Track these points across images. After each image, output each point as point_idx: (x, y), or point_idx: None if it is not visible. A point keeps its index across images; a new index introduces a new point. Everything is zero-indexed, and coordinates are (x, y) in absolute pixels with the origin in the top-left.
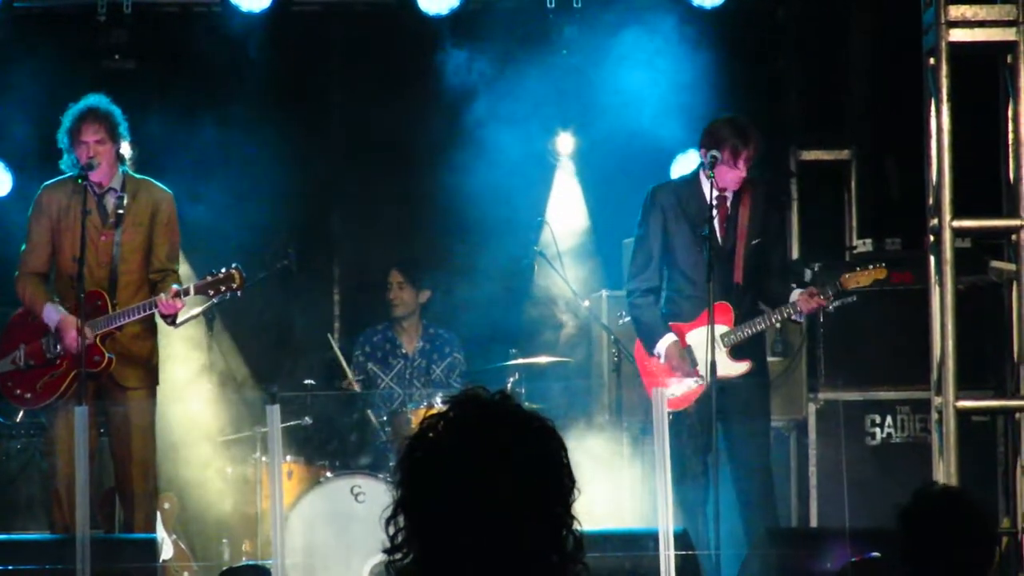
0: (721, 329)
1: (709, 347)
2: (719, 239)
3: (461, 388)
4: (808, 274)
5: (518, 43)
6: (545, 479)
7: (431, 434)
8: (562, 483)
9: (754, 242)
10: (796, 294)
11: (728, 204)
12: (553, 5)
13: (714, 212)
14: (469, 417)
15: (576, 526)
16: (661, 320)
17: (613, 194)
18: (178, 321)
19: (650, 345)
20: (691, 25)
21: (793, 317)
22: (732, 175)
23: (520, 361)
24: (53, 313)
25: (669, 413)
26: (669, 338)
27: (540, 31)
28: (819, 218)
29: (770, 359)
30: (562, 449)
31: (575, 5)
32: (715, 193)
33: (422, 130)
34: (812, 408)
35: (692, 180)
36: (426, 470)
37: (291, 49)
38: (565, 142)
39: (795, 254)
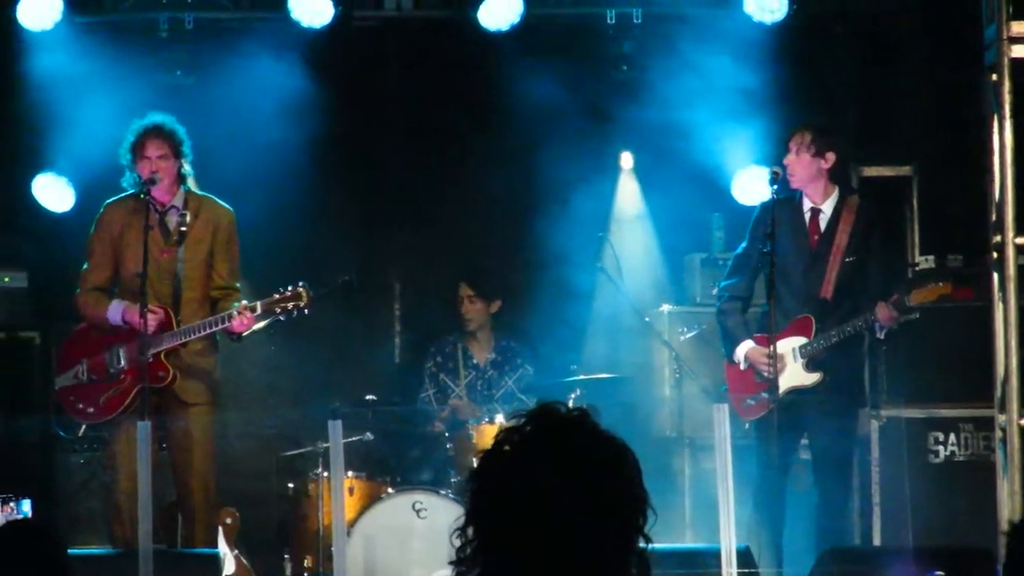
0: (800, 341)
1: (773, 364)
2: (810, 253)
3: (526, 401)
4: None
5: (578, 58)
6: (617, 499)
7: (506, 447)
8: (634, 503)
9: (848, 259)
10: (877, 306)
11: (822, 220)
12: (613, 20)
13: (807, 225)
14: (545, 433)
15: (644, 544)
16: (743, 328)
17: (675, 209)
18: (242, 336)
19: (729, 351)
20: (751, 40)
21: (875, 330)
22: (800, 169)
23: (581, 377)
24: (117, 306)
25: (746, 422)
26: (749, 344)
27: (600, 46)
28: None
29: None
30: (636, 469)
31: (635, 20)
32: (810, 206)
33: (482, 145)
34: (875, 425)
35: (795, 197)
36: (499, 483)
37: (351, 64)
38: (626, 157)
39: None
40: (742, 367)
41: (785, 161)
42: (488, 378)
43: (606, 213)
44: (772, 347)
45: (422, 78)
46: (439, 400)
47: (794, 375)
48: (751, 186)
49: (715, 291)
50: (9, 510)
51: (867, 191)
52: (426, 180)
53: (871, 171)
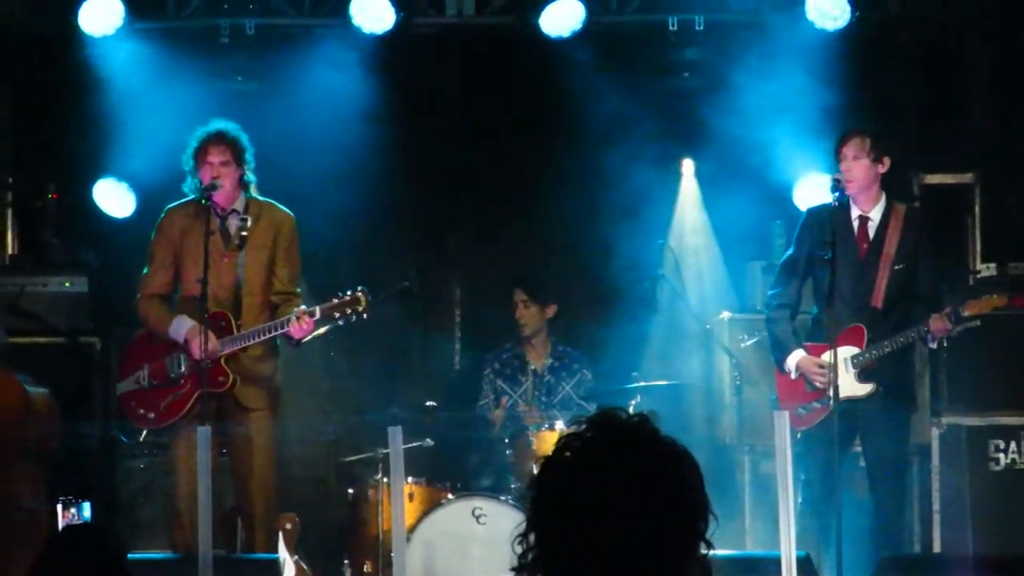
0: (851, 351)
1: (832, 371)
2: (859, 261)
3: (586, 407)
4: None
5: (639, 65)
6: (679, 505)
7: (567, 453)
8: (696, 509)
9: (898, 267)
10: (931, 317)
11: (871, 227)
12: (675, 27)
13: (856, 233)
14: (606, 439)
15: (705, 551)
16: (793, 336)
17: (736, 216)
18: (302, 341)
19: (780, 359)
20: (813, 47)
21: (927, 340)
22: (859, 174)
23: (641, 384)
24: (181, 325)
25: (797, 432)
26: (800, 353)
27: (662, 53)
28: (942, 242)
29: None
30: (698, 476)
31: (697, 27)
32: (857, 214)
33: (542, 151)
34: (935, 433)
35: (844, 204)
36: (560, 490)
37: (412, 70)
38: (687, 164)
39: None
40: (793, 376)
41: (842, 167)
42: (546, 383)
43: (667, 220)
44: (833, 355)
45: (483, 84)
46: (497, 406)
47: (847, 385)
48: (812, 193)
49: (763, 299)
50: (70, 515)
51: (929, 199)
52: (486, 186)
53: (933, 179)
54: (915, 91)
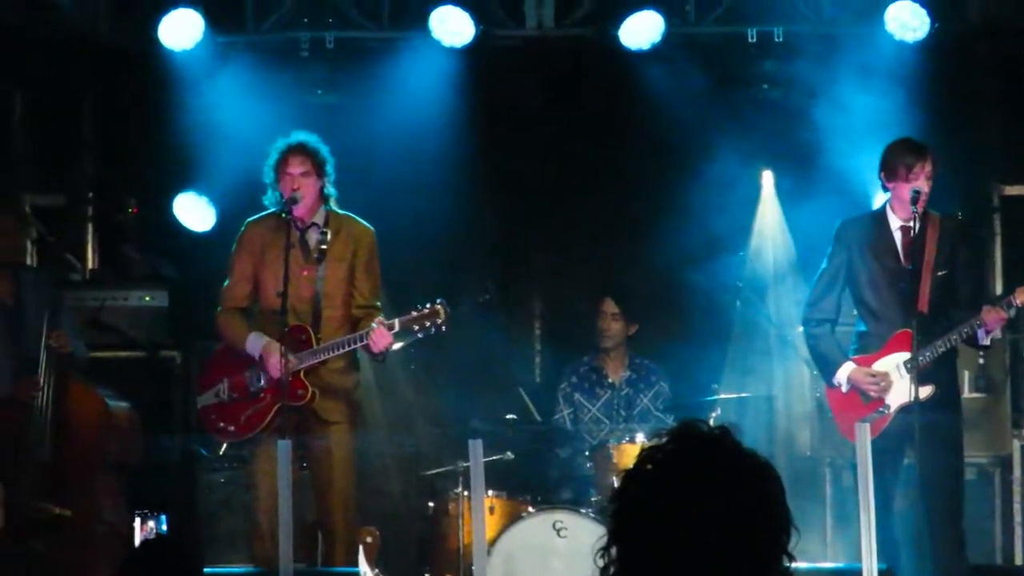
0: (903, 356)
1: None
2: (902, 269)
3: (665, 420)
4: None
5: (719, 77)
6: (761, 517)
7: (649, 466)
8: (778, 522)
9: (940, 273)
10: (983, 309)
11: (912, 234)
12: (754, 39)
13: (898, 242)
14: (687, 451)
15: (787, 563)
16: (839, 350)
17: (816, 228)
18: (382, 354)
19: (828, 375)
20: (893, 58)
21: (979, 337)
22: (927, 189)
23: (721, 396)
24: (256, 341)
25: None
26: (849, 366)
27: (741, 65)
28: (1022, 253)
29: (974, 395)
30: (779, 488)
31: (776, 39)
32: (899, 224)
33: (622, 163)
34: (1017, 444)
35: (880, 213)
36: (642, 502)
37: (492, 82)
38: (767, 176)
39: (998, 288)
40: (844, 389)
41: (918, 183)
42: (624, 396)
43: (747, 231)
44: (914, 364)
45: (563, 96)
46: (575, 420)
47: (903, 391)
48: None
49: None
50: (148, 528)
51: (1009, 209)
52: (567, 198)
53: (1012, 190)
54: (994, 101)
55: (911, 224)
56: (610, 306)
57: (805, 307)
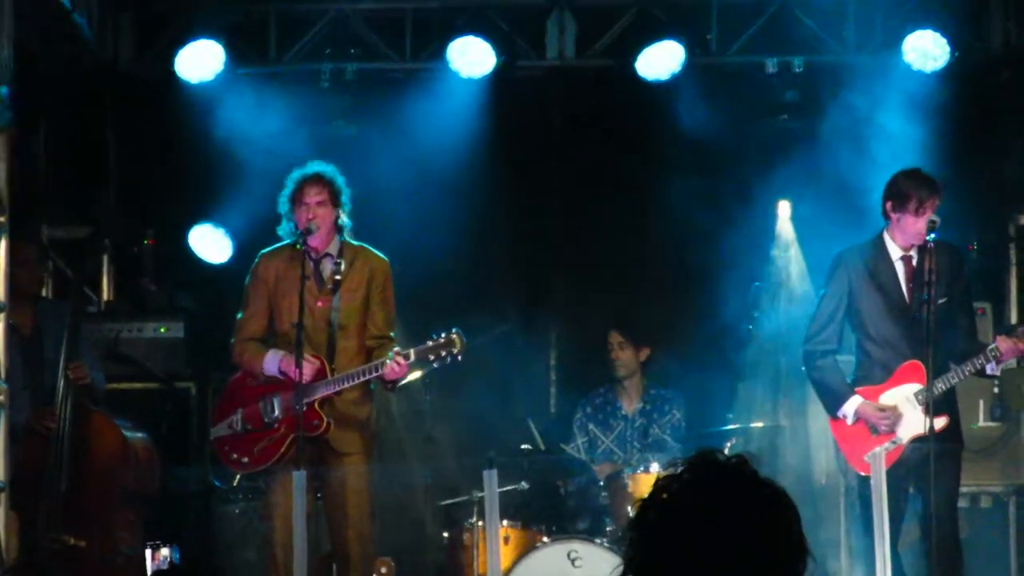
0: (914, 387)
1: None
2: (905, 298)
3: (677, 448)
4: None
5: (738, 106)
6: (778, 547)
7: (665, 495)
8: (794, 551)
9: (941, 302)
10: (998, 339)
11: (913, 263)
12: (774, 69)
13: (899, 272)
14: (704, 480)
15: None
16: (843, 381)
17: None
18: (397, 384)
19: (833, 407)
20: (913, 88)
21: (988, 367)
22: (918, 226)
23: (737, 426)
24: (274, 357)
25: (859, 476)
26: (856, 400)
27: (761, 95)
28: None
29: (988, 424)
30: (796, 518)
31: (796, 69)
32: (899, 255)
33: (643, 191)
34: None
35: (877, 241)
36: (658, 531)
37: (514, 112)
38: (783, 206)
39: (1013, 318)
40: (849, 422)
41: (930, 214)
42: (637, 428)
43: (763, 262)
44: (929, 393)
45: (584, 125)
46: (589, 450)
47: (915, 423)
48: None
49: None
50: (160, 558)
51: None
52: (585, 228)
53: None
54: (1014, 129)
55: (911, 254)
56: (615, 337)
57: (806, 340)
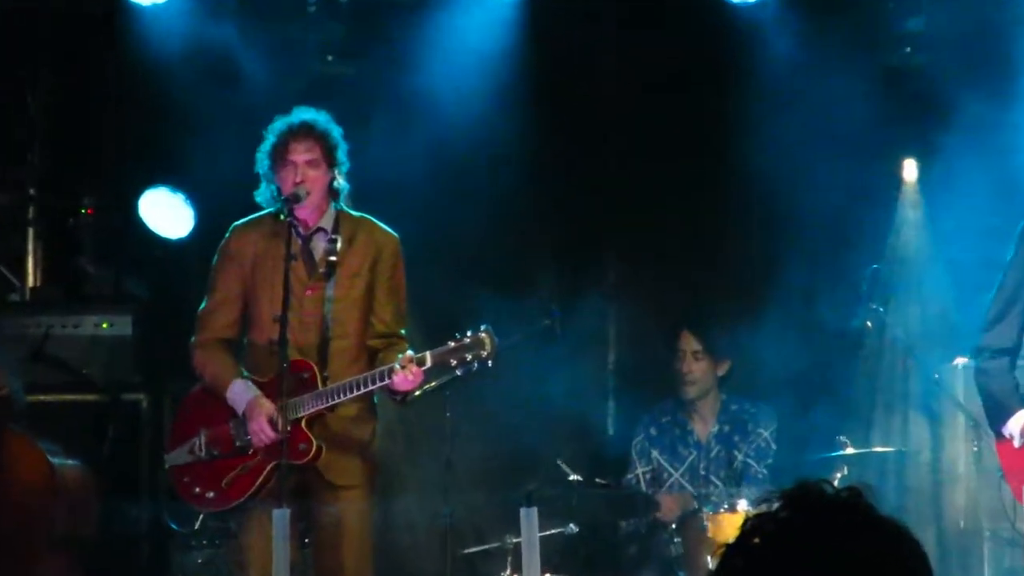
0: None
1: None
2: None
3: (764, 476)
4: None
5: (847, 38)
6: None
7: (756, 540)
8: None
9: None
10: None
11: None
12: None
13: None
14: (807, 521)
15: None
16: (1015, 392)
17: (971, 235)
18: (409, 397)
19: (998, 422)
20: None
21: None
22: None
23: (850, 451)
24: (241, 391)
25: None
26: (1022, 416)
27: (877, 23)
28: None
29: None
30: (925, 568)
31: None
32: None
33: (719, 148)
34: None
35: None
36: None
37: (555, 46)
38: (909, 166)
39: None
40: (1016, 443)
41: None
42: (715, 457)
43: (882, 238)
44: None
45: (646, 64)
46: (652, 483)
47: None
48: None
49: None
50: None
51: None
52: (651, 196)
53: None
54: None
55: None
56: (689, 341)
57: (980, 332)
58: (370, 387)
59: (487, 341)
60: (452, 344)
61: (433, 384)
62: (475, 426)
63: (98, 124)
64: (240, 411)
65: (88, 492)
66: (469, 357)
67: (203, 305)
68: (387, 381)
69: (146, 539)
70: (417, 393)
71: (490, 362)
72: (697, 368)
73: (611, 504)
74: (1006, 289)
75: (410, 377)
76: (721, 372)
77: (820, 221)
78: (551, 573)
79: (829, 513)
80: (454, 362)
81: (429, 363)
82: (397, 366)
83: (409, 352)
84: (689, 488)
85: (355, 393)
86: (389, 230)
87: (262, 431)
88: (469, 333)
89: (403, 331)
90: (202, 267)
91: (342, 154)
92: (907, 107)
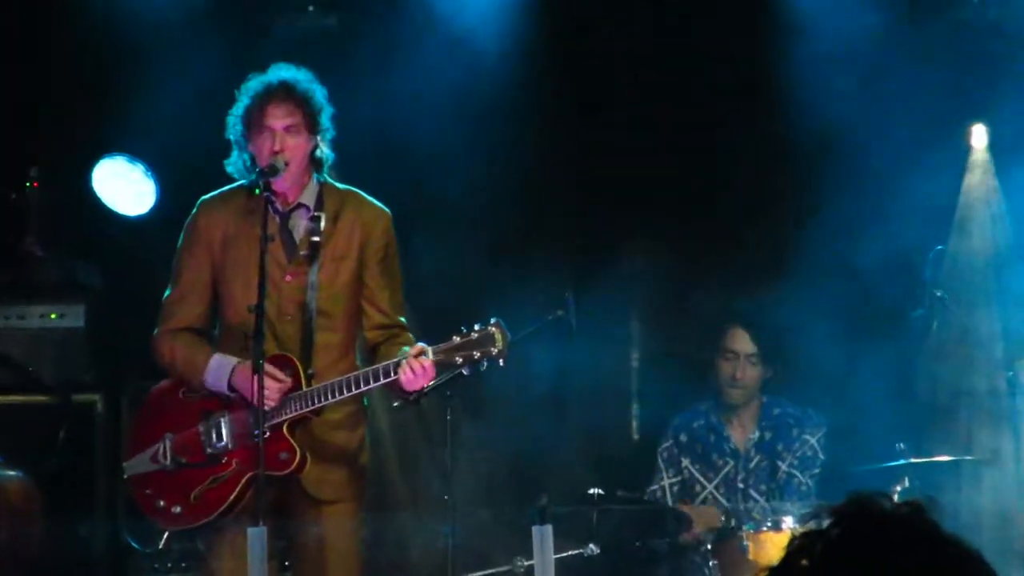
0: None
1: None
2: None
3: (809, 487)
4: None
5: None
6: None
7: (804, 562)
8: None
9: None
10: None
11: None
12: None
13: None
14: (863, 540)
15: None
16: None
17: None
18: (419, 395)
19: None
20: None
21: None
22: None
23: (911, 460)
24: (222, 367)
25: None
26: None
27: None
28: None
29: None
30: None
31: None
32: None
33: (759, 119)
34: None
35: None
36: None
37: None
38: (978, 132)
39: None
40: None
41: None
42: (756, 468)
43: (947, 216)
44: None
45: (677, 14)
46: (680, 495)
47: None
48: None
49: None
50: None
51: None
52: (681, 171)
53: None
54: None
55: None
56: (742, 342)
57: None
58: (371, 385)
59: (498, 336)
60: (458, 339)
61: (434, 383)
62: (479, 431)
63: (45, 82)
64: (224, 386)
65: (31, 506)
66: (478, 355)
67: (167, 293)
68: (392, 378)
69: (101, 561)
70: (426, 392)
71: (501, 360)
72: (750, 374)
73: (636, 521)
74: None
75: (420, 372)
76: (767, 375)
77: (877, 197)
78: None
79: (886, 531)
80: (460, 360)
81: (431, 357)
82: (405, 361)
83: (420, 344)
84: (724, 502)
85: (349, 394)
86: (380, 205)
87: (272, 384)
88: (477, 327)
89: (403, 318)
90: (166, 249)
91: (326, 119)
92: (975, 67)
